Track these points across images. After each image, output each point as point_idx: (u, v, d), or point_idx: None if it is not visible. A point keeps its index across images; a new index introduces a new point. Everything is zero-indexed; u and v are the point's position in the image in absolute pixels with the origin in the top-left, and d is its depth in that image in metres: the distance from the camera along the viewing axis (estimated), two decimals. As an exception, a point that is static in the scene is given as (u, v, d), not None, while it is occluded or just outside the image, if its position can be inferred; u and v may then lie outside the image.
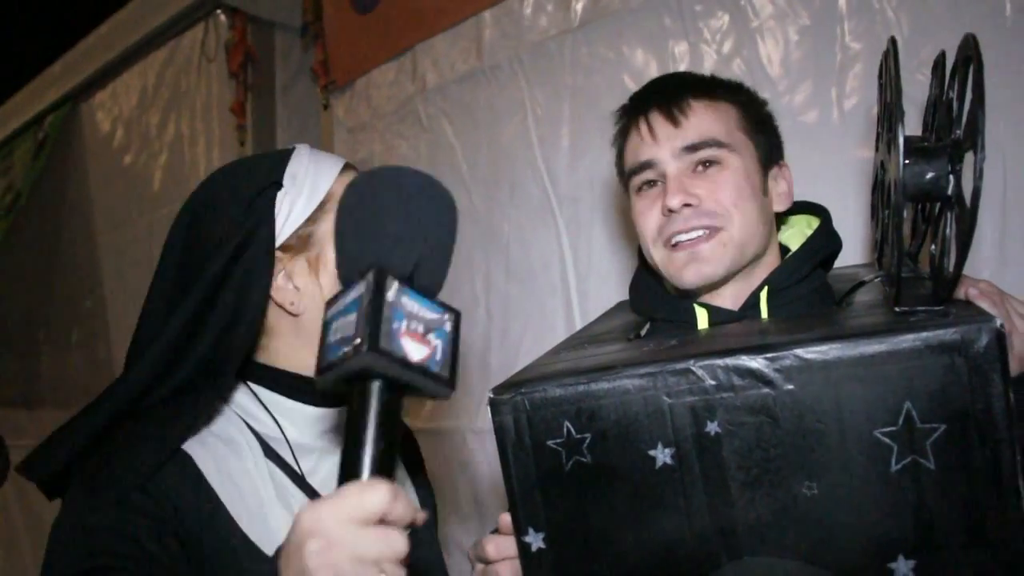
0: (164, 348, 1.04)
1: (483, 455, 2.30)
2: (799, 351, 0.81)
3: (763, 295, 1.14)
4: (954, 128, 0.85)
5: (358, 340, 0.70)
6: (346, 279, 0.78)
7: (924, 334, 0.79)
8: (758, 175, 1.17)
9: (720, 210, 1.13)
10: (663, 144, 1.17)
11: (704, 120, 1.16)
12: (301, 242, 1.10)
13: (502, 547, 0.98)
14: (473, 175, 2.44)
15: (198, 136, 3.42)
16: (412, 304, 0.75)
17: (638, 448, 0.85)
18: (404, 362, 0.71)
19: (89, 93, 4.09)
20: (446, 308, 0.77)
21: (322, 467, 1.13)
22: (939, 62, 1.02)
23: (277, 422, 1.11)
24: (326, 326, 0.76)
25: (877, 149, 1.18)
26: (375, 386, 0.72)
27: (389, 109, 2.75)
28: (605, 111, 2.08)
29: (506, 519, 0.94)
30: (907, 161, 0.80)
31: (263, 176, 1.09)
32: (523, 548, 0.90)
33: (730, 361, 0.83)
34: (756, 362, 0.82)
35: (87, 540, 0.95)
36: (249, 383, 1.13)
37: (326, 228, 1.10)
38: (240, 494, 1.04)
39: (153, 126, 3.68)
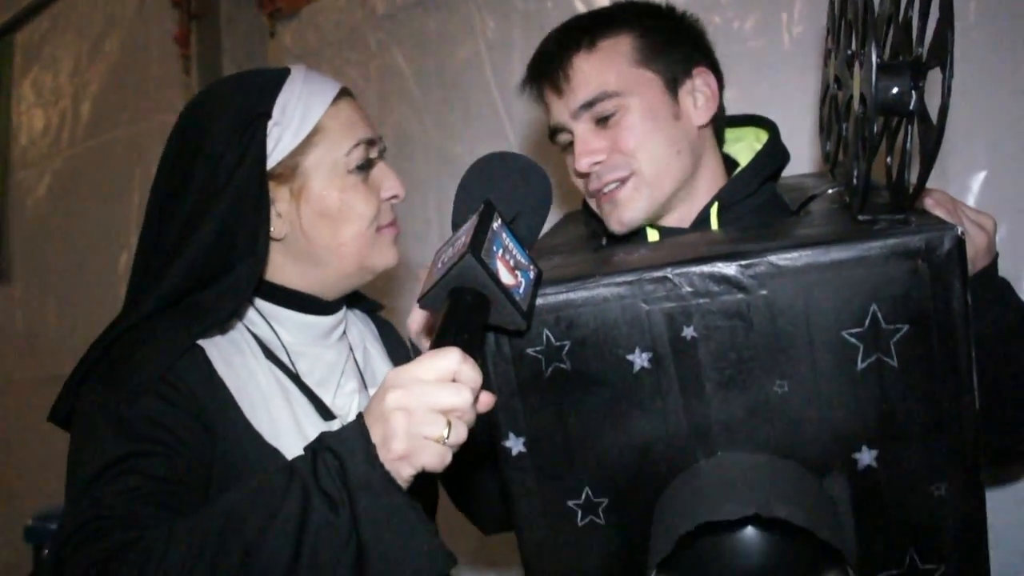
0: (187, 262, 1.10)
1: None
2: (772, 258, 0.85)
3: (713, 210, 1.19)
4: (916, 46, 0.89)
5: (463, 249, 0.83)
6: (456, 224, 0.94)
7: (890, 241, 0.84)
8: (664, 103, 1.19)
9: (626, 160, 1.17)
10: (561, 109, 1.22)
11: (590, 76, 1.18)
12: (287, 172, 1.15)
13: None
14: (425, 100, 2.45)
15: (137, 67, 3.33)
16: (509, 241, 0.89)
17: (616, 353, 0.89)
18: (495, 278, 0.84)
19: (21, 25, 3.97)
20: (533, 260, 0.92)
21: (315, 369, 1.21)
22: None
23: (272, 327, 1.19)
24: (433, 263, 0.90)
25: (826, 64, 1.22)
26: (469, 297, 0.84)
27: (338, 36, 2.72)
28: None
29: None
30: (874, 80, 0.84)
31: (254, 103, 1.13)
32: (504, 453, 0.95)
33: (706, 268, 0.87)
34: (731, 269, 0.86)
35: (119, 429, 0.99)
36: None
37: (313, 160, 1.15)
38: (244, 386, 1.11)
39: (84, 55, 3.57)
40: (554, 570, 0.97)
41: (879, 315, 0.85)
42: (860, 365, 0.86)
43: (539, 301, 0.90)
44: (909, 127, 0.88)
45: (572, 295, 0.90)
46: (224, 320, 1.11)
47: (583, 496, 0.94)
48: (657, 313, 0.88)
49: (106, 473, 0.96)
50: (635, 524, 0.93)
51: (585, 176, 1.21)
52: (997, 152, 1.57)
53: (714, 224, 1.18)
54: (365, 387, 1.27)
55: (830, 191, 1.11)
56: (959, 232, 0.83)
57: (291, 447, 1.08)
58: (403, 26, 2.52)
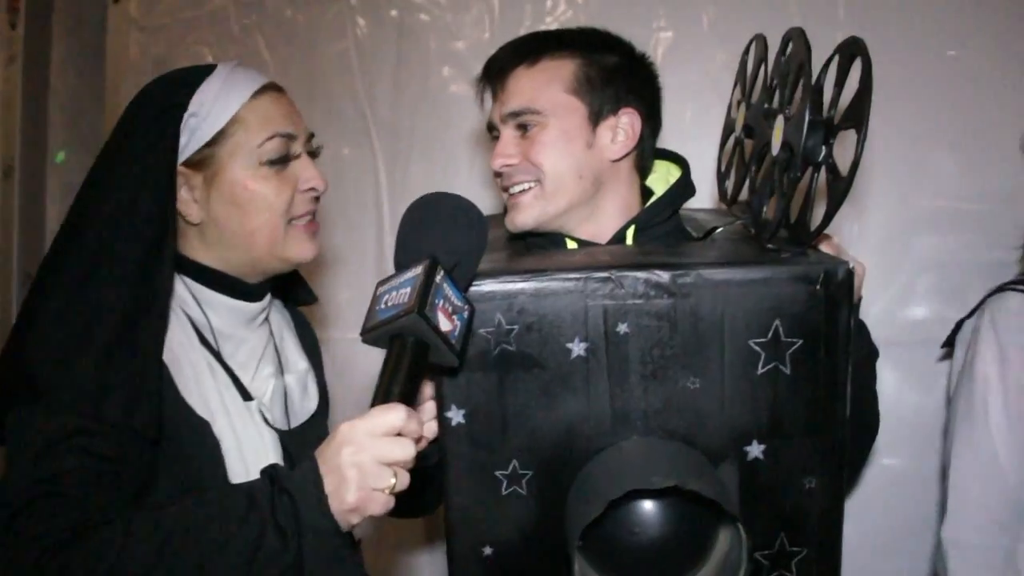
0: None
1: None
2: (701, 271, 1.02)
3: (630, 231, 1.36)
4: (829, 108, 1.08)
5: (410, 306, 0.94)
6: (399, 264, 1.04)
7: (796, 268, 1.03)
8: (581, 132, 1.35)
9: (533, 169, 1.34)
10: (495, 111, 1.40)
11: (523, 90, 1.35)
12: (203, 160, 1.24)
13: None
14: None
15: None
16: (449, 290, 0.99)
17: (558, 340, 1.03)
18: (436, 329, 0.95)
19: None
20: (468, 301, 1.02)
21: (239, 352, 1.30)
22: (782, 44, 1.24)
23: (203, 310, 1.27)
24: (377, 298, 1.01)
25: (730, 112, 1.43)
26: (410, 340, 0.96)
27: (195, 15, 2.70)
28: (428, 48, 2.30)
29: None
30: (805, 135, 1.02)
31: (171, 96, 1.23)
32: (444, 422, 1.06)
33: (643, 274, 1.03)
34: (666, 276, 1.02)
35: (61, 403, 1.07)
36: (181, 274, 1.26)
37: (227, 150, 1.24)
38: (178, 360, 1.19)
39: None
40: (475, 535, 1.09)
41: (780, 329, 1.03)
42: (760, 370, 1.04)
43: (496, 287, 1.03)
44: (815, 175, 1.08)
45: (526, 285, 1.03)
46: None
47: (510, 467, 1.06)
48: (597, 308, 1.03)
49: (52, 449, 1.03)
50: (553, 497, 1.06)
51: (498, 175, 1.38)
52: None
53: (629, 243, 1.35)
54: (282, 373, 1.37)
55: (734, 224, 1.29)
56: (850, 266, 1.03)
57: (219, 422, 1.19)
58: (271, 15, 2.56)
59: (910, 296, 2.01)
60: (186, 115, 1.21)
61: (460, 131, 2.29)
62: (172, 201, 1.20)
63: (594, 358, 1.04)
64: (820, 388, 1.05)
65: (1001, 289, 1.65)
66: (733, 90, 1.43)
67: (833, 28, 1.95)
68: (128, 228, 1.16)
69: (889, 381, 1.99)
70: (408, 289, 0.97)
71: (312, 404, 1.43)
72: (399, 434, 0.94)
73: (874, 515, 1.97)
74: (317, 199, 1.33)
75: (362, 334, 0.98)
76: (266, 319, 1.38)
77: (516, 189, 1.36)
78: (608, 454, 1.04)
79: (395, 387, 0.95)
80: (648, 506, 1.02)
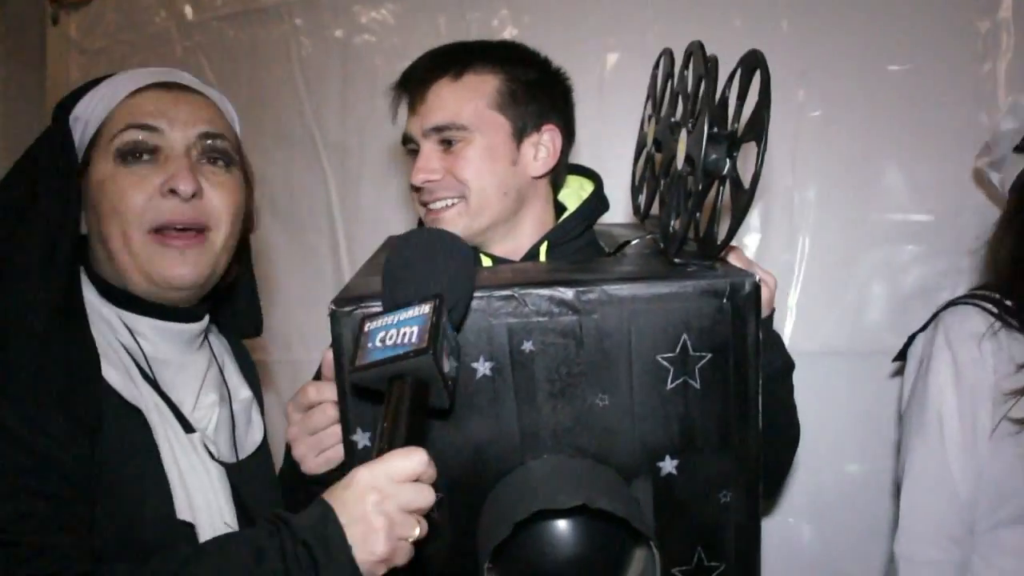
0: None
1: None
2: (606, 287, 1.02)
3: (543, 247, 1.36)
4: (732, 121, 1.08)
5: (423, 346, 0.91)
6: (391, 300, 0.98)
7: (702, 282, 1.02)
8: (507, 147, 1.36)
9: (457, 184, 1.34)
10: (415, 124, 1.37)
11: (447, 104, 1.34)
12: (85, 165, 1.18)
13: (323, 390, 1.11)
14: (233, 116, 2.52)
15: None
16: (449, 331, 0.96)
17: (463, 361, 1.01)
18: (441, 370, 0.92)
19: None
20: (458, 340, 1.00)
21: (177, 379, 1.23)
22: (685, 58, 1.25)
23: (134, 336, 1.19)
24: (368, 335, 0.96)
25: (643, 127, 1.44)
26: (410, 380, 0.92)
27: (133, 37, 2.72)
28: (375, 67, 2.32)
29: (328, 357, 1.06)
30: (704, 148, 1.02)
31: (65, 100, 1.19)
32: (350, 446, 1.05)
33: (546, 292, 1.02)
34: (569, 294, 1.02)
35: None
36: (106, 299, 1.20)
37: (100, 148, 1.17)
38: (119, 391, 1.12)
39: None
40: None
41: (688, 343, 1.02)
42: (670, 385, 1.03)
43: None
44: (720, 188, 1.07)
45: (427, 305, 1.01)
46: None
47: (420, 491, 1.04)
48: (501, 327, 1.02)
49: (1, 489, 0.96)
50: (467, 518, 1.05)
51: (418, 190, 1.36)
52: (768, 218, 1.90)
53: (543, 259, 1.34)
54: (228, 400, 1.30)
55: (645, 238, 1.29)
56: (757, 279, 1.02)
57: (165, 453, 1.12)
58: (214, 37, 2.58)
59: (864, 307, 2.03)
60: (71, 118, 1.16)
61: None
62: (68, 205, 1.12)
63: (500, 377, 1.03)
64: (731, 401, 1.04)
65: (954, 303, 1.65)
66: (645, 105, 1.43)
67: (776, 41, 1.97)
68: (23, 233, 1.10)
69: (843, 389, 2.01)
70: (415, 328, 0.93)
71: (258, 435, 1.37)
72: (417, 479, 0.90)
73: (836, 520, 1.99)
74: (211, 210, 1.20)
75: (354, 372, 0.94)
76: (204, 341, 1.30)
77: (438, 205, 1.35)
78: (516, 474, 1.03)
79: (404, 429, 0.90)
80: (559, 526, 1.01)
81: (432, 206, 1.36)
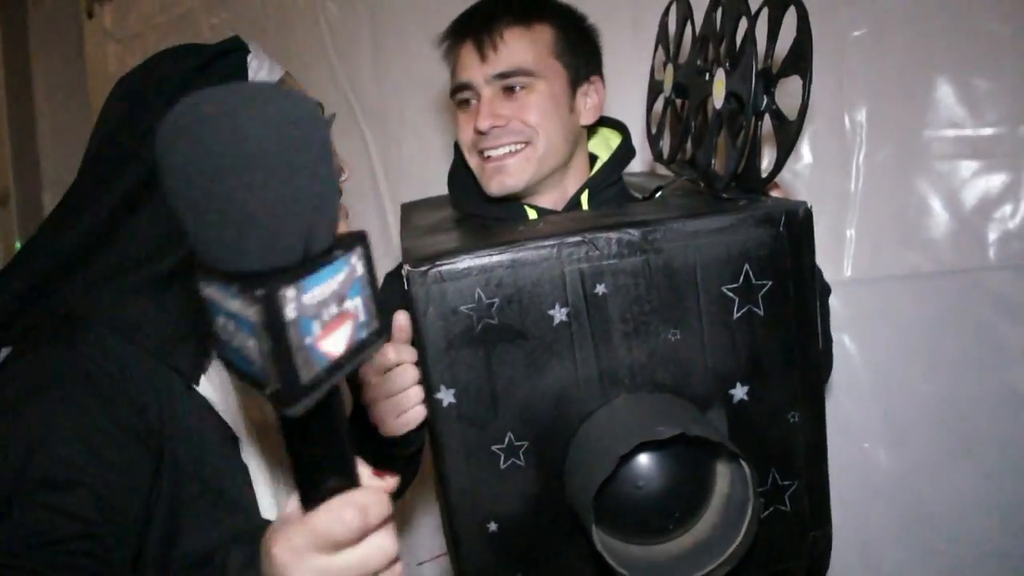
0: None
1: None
2: (671, 224, 1.07)
3: (584, 196, 1.41)
4: (766, 57, 1.12)
5: (276, 387, 0.58)
6: (218, 271, 0.59)
7: (760, 212, 1.07)
8: (565, 95, 1.39)
9: (526, 129, 1.36)
10: (477, 71, 1.37)
11: (515, 50, 1.36)
12: None
13: (402, 351, 1.12)
14: (266, 87, 2.53)
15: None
16: (315, 292, 0.59)
17: (539, 308, 1.07)
18: (332, 366, 0.61)
19: None
20: (346, 252, 0.62)
21: None
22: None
23: None
24: (211, 308, 0.61)
25: (653, 75, 1.49)
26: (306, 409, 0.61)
27: (165, 19, 2.73)
28: (407, 25, 2.29)
29: (400, 320, 1.09)
30: (754, 84, 1.07)
31: (225, 44, 1.14)
32: (434, 404, 1.09)
33: (614, 234, 1.07)
34: (637, 234, 1.06)
35: (32, 439, 0.90)
36: None
37: None
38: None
39: None
40: (478, 513, 1.11)
41: (751, 273, 1.08)
42: (736, 315, 1.09)
43: (472, 262, 1.05)
44: (759, 124, 1.12)
45: (502, 257, 1.06)
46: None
47: (506, 440, 1.09)
48: (574, 272, 1.07)
49: (17, 502, 0.84)
50: (552, 463, 1.10)
51: (482, 134, 1.36)
52: (818, 145, 1.92)
53: (585, 207, 1.39)
54: None
55: (679, 180, 1.34)
56: (808, 205, 1.07)
57: (246, 444, 1.12)
58: (240, 11, 2.58)
59: (924, 227, 1.94)
60: (249, 57, 1.13)
61: (450, 106, 2.27)
62: None
63: (576, 322, 1.08)
64: (793, 325, 1.10)
65: None
66: (655, 52, 1.47)
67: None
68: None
69: (910, 312, 1.96)
70: (252, 343, 0.58)
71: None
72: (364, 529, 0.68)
73: (912, 443, 1.95)
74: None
75: (305, 397, 0.59)
76: None
77: (502, 151, 1.36)
78: (600, 414, 1.08)
79: (322, 469, 0.67)
80: (649, 459, 1.06)
81: (494, 152, 1.36)
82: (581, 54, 1.42)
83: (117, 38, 2.83)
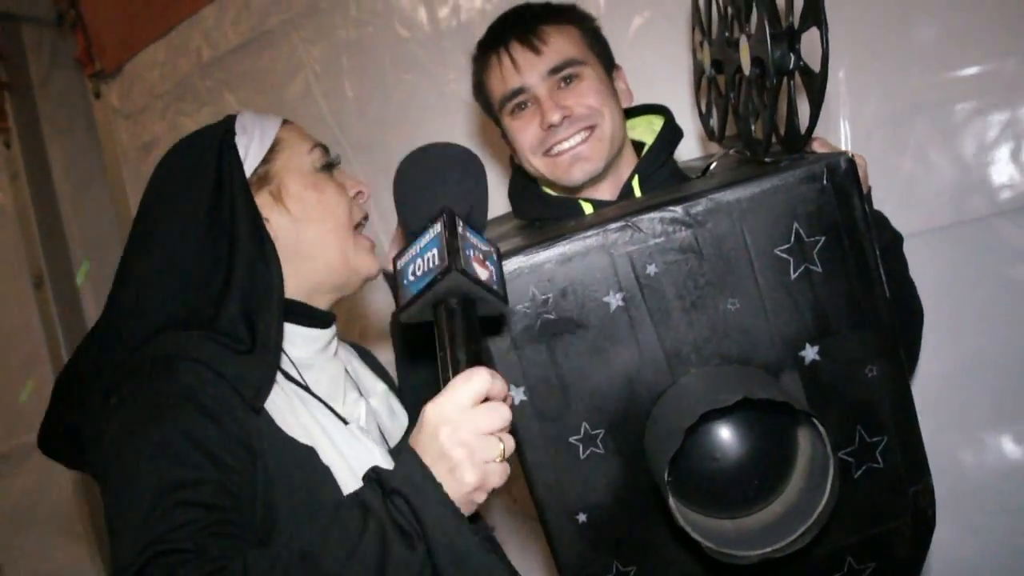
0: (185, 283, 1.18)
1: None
2: (711, 195, 1.07)
3: (635, 182, 1.42)
4: (785, 17, 1.13)
5: (445, 264, 0.92)
6: (413, 231, 1.03)
7: (799, 170, 1.08)
8: (608, 81, 1.45)
9: (591, 112, 1.39)
10: (529, 71, 1.40)
11: (560, 43, 1.41)
12: (260, 179, 1.26)
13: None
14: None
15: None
16: (473, 238, 0.99)
17: (594, 297, 1.08)
18: (477, 280, 0.94)
19: None
20: (491, 242, 1.03)
21: (321, 380, 1.28)
22: None
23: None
24: (401, 272, 0.99)
25: (696, 56, 1.49)
26: (454, 302, 0.94)
27: (166, 88, 2.86)
28: (382, 60, 2.37)
29: None
30: (770, 43, 1.08)
31: (217, 132, 1.26)
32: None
33: (656, 214, 1.08)
34: (679, 210, 1.07)
35: (164, 453, 1.02)
36: None
37: (281, 163, 1.27)
38: (273, 399, 1.16)
39: None
40: (566, 506, 1.13)
41: (801, 231, 1.08)
42: (793, 275, 1.08)
43: (522, 262, 1.08)
44: (791, 83, 1.12)
45: (549, 253, 1.08)
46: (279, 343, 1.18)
47: (582, 431, 1.11)
48: (623, 257, 1.08)
49: (160, 503, 0.98)
50: (630, 446, 1.11)
51: (553, 127, 1.38)
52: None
53: (637, 194, 1.41)
54: (362, 395, 1.37)
55: (728, 153, 1.35)
56: (851, 155, 1.07)
57: (324, 447, 1.17)
58: (231, 69, 2.68)
59: (923, 179, 1.87)
60: (235, 138, 1.25)
61: (431, 127, 2.30)
62: (255, 209, 1.21)
63: (632, 305, 1.09)
64: (854, 277, 1.09)
65: None
66: (692, 34, 1.49)
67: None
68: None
69: (929, 269, 1.76)
70: (435, 250, 0.95)
71: (403, 420, 1.43)
72: (487, 398, 0.91)
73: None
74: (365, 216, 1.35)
75: (400, 312, 0.97)
76: (336, 346, 1.38)
77: (574, 141, 1.39)
78: (670, 393, 1.09)
79: (461, 353, 0.92)
80: (723, 429, 1.06)
81: (566, 143, 1.39)
82: (604, 49, 1.48)
83: (125, 114, 2.96)
